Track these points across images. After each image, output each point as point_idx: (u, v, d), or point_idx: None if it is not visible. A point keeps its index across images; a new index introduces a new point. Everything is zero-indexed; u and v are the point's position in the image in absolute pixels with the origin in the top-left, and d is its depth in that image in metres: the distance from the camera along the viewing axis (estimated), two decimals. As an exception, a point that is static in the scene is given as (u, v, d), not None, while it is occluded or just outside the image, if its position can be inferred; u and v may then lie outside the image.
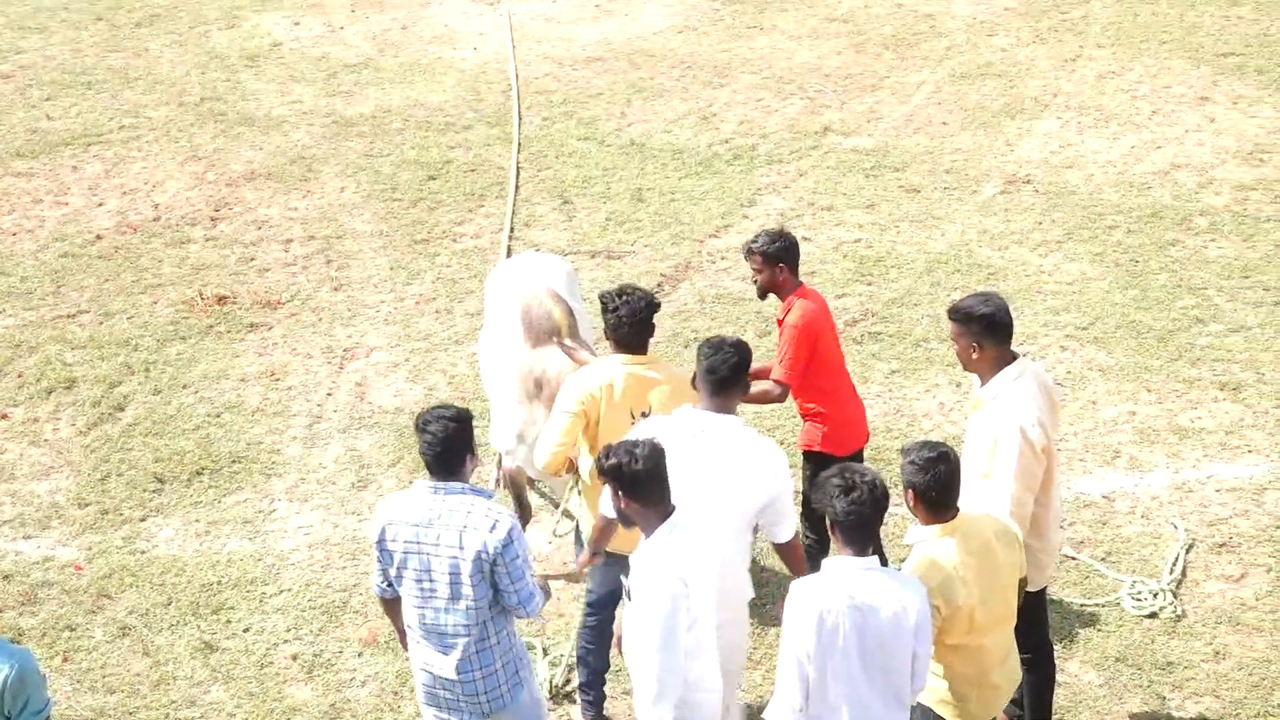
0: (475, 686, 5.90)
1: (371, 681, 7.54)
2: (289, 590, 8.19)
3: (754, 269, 7.58)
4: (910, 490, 5.72)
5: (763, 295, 7.73)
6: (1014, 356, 6.43)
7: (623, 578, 5.83)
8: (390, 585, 5.98)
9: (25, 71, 15.21)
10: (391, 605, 6.12)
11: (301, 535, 8.63)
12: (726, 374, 6.29)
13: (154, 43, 16.00)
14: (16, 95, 14.63)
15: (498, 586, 5.77)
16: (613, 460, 5.59)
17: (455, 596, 5.77)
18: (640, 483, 5.59)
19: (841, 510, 5.42)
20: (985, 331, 6.36)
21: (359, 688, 7.52)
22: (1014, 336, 6.55)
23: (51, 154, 13.40)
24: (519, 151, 13.24)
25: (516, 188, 12.56)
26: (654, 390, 6.78)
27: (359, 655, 7.71)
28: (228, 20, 16.64)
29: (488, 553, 5.69)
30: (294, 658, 7.70)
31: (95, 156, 13.36)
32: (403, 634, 6.16)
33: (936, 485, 5.66)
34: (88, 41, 16.05)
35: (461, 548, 5.72)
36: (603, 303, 6.81)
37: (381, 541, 5.87)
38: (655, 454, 5.60)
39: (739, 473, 6.19)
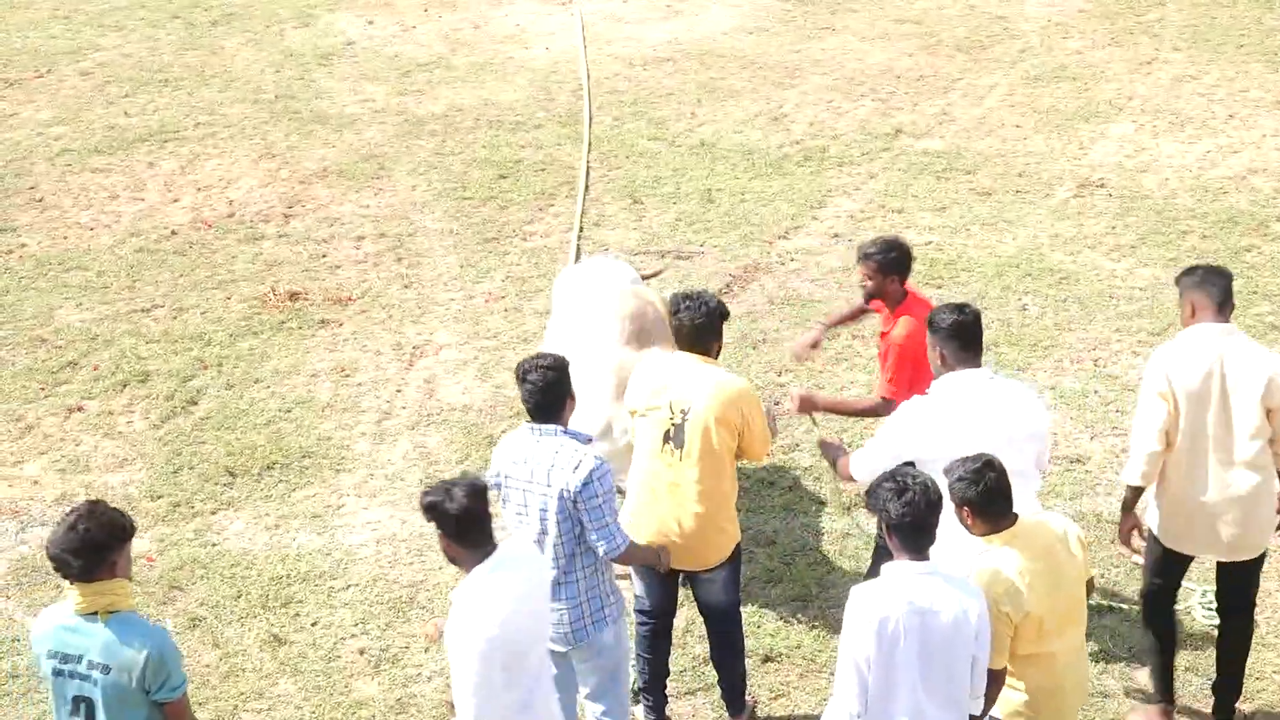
0: (560, 615, 6.19)
1: (437, 677, 7.57)
2: (357, 585, 8.24)
3: (864, 275, 7.56)
4: (965, 507, 5.64)
5: (868, 301, 7.81)
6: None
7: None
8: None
9: (104, 69, 15.41)
10: None
11: (369, 531, 8.69)
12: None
13: (229, 41, 16.17)
14: (95, 92, 14.83)
15: (583, 524, 6.14)
16: (430, 498, 5.46)
17: (544, 531, 6.16)
18: (458, 522, 5.44)
19: (896, 513, 5.39)
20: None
21: (425, 683, 7.56)
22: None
23: (128, 150, 13.56)
24: (589, 151, 13.28)
25: (586, 188, 12.59)
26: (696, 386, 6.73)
27: (425, 650, 7.75)
28: (302, 19, 16.79)
29: (569, 491, 6.07)
30: (361, 652, 7.75)
31: (171, 153, 13.51)
32: None
33: (989, 494, 5.59)
34: (165, 39, 16.24)
35: (549, 485, 6.11)
36: (672, 305, 6.84)
37: (494, 475, 6.26)
38: (474, 494, 5.44)
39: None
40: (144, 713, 5.29)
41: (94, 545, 5.17)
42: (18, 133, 13.85)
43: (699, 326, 6.74)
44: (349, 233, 12.04)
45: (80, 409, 9.83)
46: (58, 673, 5.30)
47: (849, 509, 8.70)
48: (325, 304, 10.99)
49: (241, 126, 14.01)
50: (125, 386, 10.06)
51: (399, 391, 9.97)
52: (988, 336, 10.26)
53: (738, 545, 6.91)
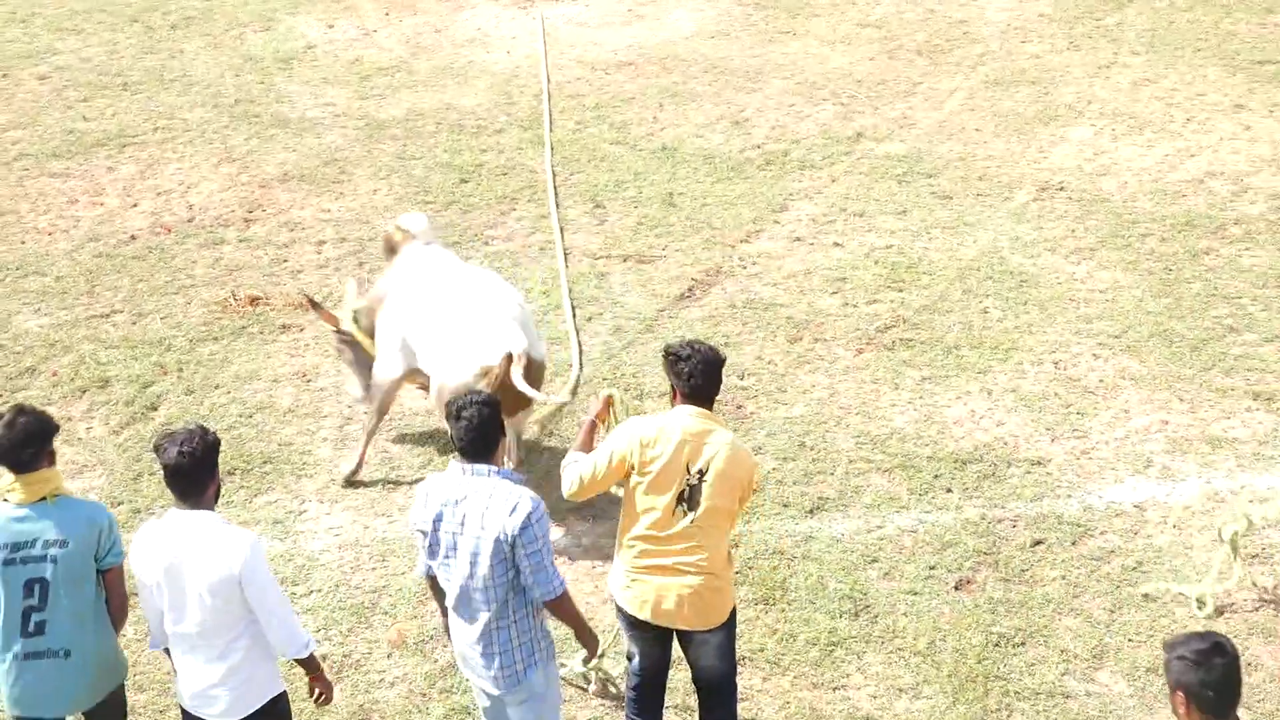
0: (493, 660, 6.04)
1: (400, 683, 7.56)
2: (319, 591, 8.21)
3: None
4: (1180, 692, 4.87)
5: None
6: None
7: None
8: (423, 563, 6.16)
9: (62, 73, 15.31)
10: (434, 583, 6.24)
11: (331, 536, 8.66)
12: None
13: (189, 45, 16.09)
14: (53, 96, 14.73)
15: (518, 568, 5.91)
16: (157, 441, 5.83)
17: (471, 575, 5.93)
18: (171, 473, 5.74)
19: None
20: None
21: (388, 689, 7.54)
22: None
23: (87, 155, 13.48)
24: (551, 155, 13.26)
25: (555, 190, 12.57)
26: (709, 445, 6.45)
27: (388, 656, 7.73)
28: (262, 23, 16.72)
29: (506, 535, 5.83)
30: (323, 658, 7.69)
31: (130, 158, 13.43)
32: (445, 612, 6.27)
33: (1212, 684, 4.82)
34: (124, 43, 16.14)
35: (483, 528, 5.87)
36: (673, 355, 6.49)
37: (415, 521, 6.06)
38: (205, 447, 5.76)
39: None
40: (91, 588, 5.92)
41: (36, 434, 5.87)
42: (-26, 138, 13.75)
43: (707, 378, 6.45)
44: (310, 237, 12.00)
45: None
46: (8, 562, 5.83)
47: (811, 512, 8.72)
48: (286, 309, 10.94)
49: (201, 131, 13.94)
50: (85, 392, 10.00)
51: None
52: (950, 340, 10.37)
53: (734, 610, 6.70)
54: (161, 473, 5.84)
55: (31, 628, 5.90)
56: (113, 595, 6.07)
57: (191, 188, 12.88)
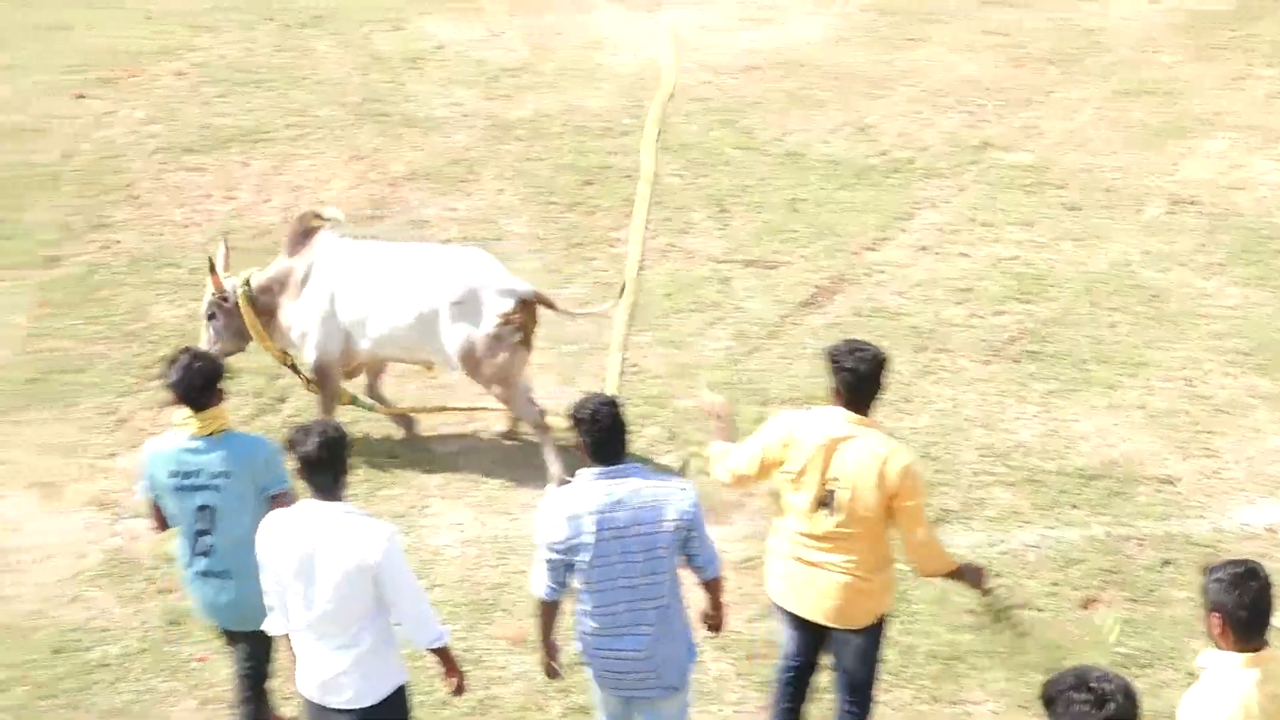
0: (654, 660, 6.02)
1: (519, 680, 7.62)
2: (441, 585, 8.30)
3: None
4: (1217, 614, 5.00)
5: None
6: None
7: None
8: (560, 586, 6.04)
9: (198, 69, 15.60)
10: (552, 610, 6.17)
11: (454, 532, 8.76)
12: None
13: (320, 43, 16.32)
14: (190, 92, 15.01)
15: (687, 554, 5.98)
16: (290, 436, 5.92)
17: (655, 570, 5.90)
18: (307, 464, 5.84)
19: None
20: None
21: (506, 685, 7.61)
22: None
23: (222, 150, 13.72)
24: (674, 158, 13.29)
25: (649, 201, 12.61)
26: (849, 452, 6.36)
27: (508, 653, 7.80)
28: (392, 23, 16.91)
29: (683, 520, 5.89)
30: (445, 652, 7.80)
31: (262, 153, 13.66)
32: (552, 646, 6.26)
33: (1246, 605, 4.95)
34: (258, 41, 16.41)
35: (657, 520, 5.86)
36: (832, 355, 6.39)
37: (563, 539, 5.89)
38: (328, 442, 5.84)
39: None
40: (249, 518, 6.25)
41: (210, 374, 6.41)
42: (114, 131, 14.05)
43: (862, 381, 6.32)
44: (436, 235, 12.12)
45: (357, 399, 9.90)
46: (180, 488, 6.42)
47: (934, 524, 8.65)
48: (412, 306, 11.05)
49: (331, 128, 14.14)
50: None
51: (483, 394, 10.02)
52: (1077, 354, 10.24)
53: (884, 618, 6.63)
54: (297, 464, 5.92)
55: (202, 548, 6.50)
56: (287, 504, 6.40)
57: (321, 184, 13.07)
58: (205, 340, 9.25)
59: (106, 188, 12.93)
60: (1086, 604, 8.04)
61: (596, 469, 5.94)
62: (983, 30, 16.34)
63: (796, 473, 6.36)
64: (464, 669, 7.56)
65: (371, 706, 6.04)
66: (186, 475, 6.43)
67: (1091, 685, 4.36)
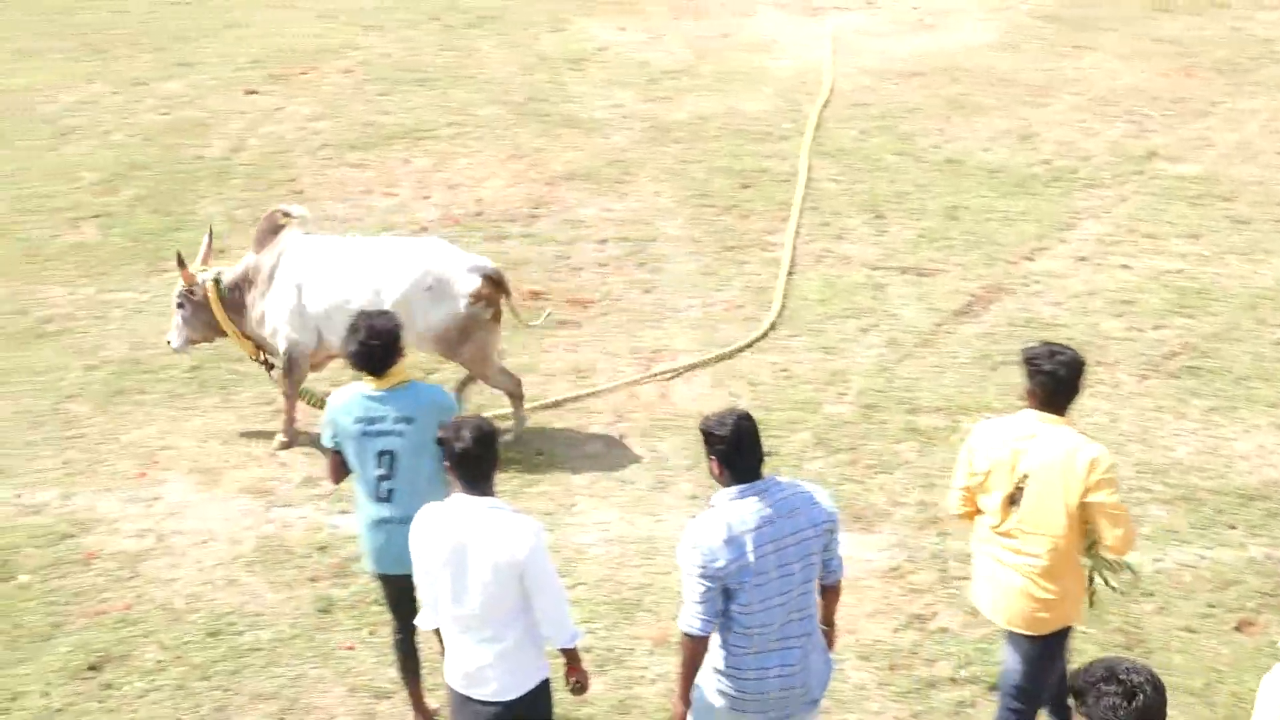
0: (809, 672, 5.91)
1: (661, 681, 7.63)
2: (585, 584, 8.35)
3: None
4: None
5: None
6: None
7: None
8: (716, 618, 5.79)
9: (363, 66, 15.90)
10: (702, 647, 5.90)
11: (599, 531, 8.80)
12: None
13: (484, 43, 16.53)
14: (354, 90, 15.31)
15: (825, 556, 5.89)
16: (443, 433, 5.94)
17: (806, 579, 5.81)
18: (459, 459, 5.87)
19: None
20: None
21: (648, 685, 7.62)
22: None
23: (384, 147, 13.96)
24: (832, 163, 13.22)
25: (801, 207, 12.55)
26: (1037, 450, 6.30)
27: (650, 653, 7.82)
28: (555, 24, 17.07)
29: (825, 522, 5.81)
30: (587, 650, 7.82)
31: (423, 151, 13.86)
32: (688, 682, 6.02)
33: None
34: (422, 40, 16.68)
35: (809, 527, 5.77)
36: (1028, 357, 6.35)
37: (727, 563, 5.69)
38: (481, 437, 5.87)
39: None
40: (430, 463, 6.54)
41: (388, 341, 6.63)
42: (283, 126, 14.38)
43: (1058, 382, 6.27)
44: (592, 235, 12.21)
45: (329, 395, 10.13)
46: (365, 433, 6.67)
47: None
48: (565, 304, 11.16)
49: (492, 127, 14.31)
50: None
51: (633, 395, 10.08)
52: (1239, 370, 9.98)
53: (1067, 631, 6.51)
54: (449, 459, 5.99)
55: (382, 493, 6.73)
56: None
57: (480, 182, 13.23)
58: (173, 326, 9.66)
59: (272, 182, 13.23)
60: (1241, 626, 7.83)
61: (737, 487, 5.76)
62: (1152, 39, 16.00)
63: (986, 473, 6.34)
64: (606, 668, 7.65)
65: (514, 700, 6.09)
66: (371, 421, 6.66)
67: (1121, 677, 4.29)
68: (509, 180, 13.23)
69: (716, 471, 5.80)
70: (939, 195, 12.63)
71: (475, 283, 9.22)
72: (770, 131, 14.05)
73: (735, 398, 9.79)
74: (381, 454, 6.70)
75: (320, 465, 9.31)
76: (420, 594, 6.15)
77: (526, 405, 9.74)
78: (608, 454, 9.48)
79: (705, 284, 11.42)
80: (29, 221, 12.66)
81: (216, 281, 9.51)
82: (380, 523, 6.79)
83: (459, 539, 5.88)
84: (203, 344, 9.82)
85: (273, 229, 9.51)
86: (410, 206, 12.82)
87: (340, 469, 6.92)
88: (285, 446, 9.55)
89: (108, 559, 8.53)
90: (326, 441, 6.89)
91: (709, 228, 12.26)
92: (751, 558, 5.67)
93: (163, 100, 15.07)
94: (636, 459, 9.40)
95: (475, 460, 5.92)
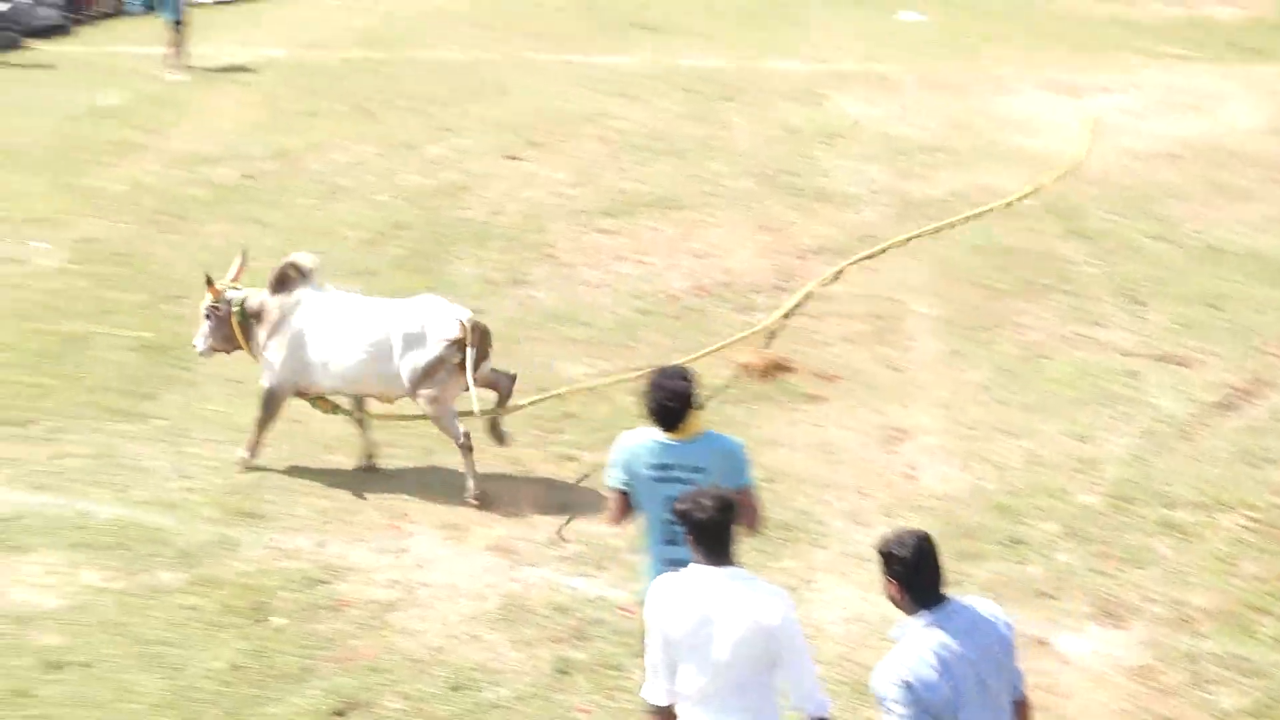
0: None
1: (895, 766, 7.50)
2: (823, 662, 8.22)
3: None
4: None
5: None
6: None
7: None
8: None
9: (618, 135, 16.21)
10: None
11: (839, 609, 8.71)
12: None
13: (736, 115, 16.71)
14: (608, 158, 15.61)
15: None
16: (682, 505, 5.91)
17: (1003, 691, 5.60)
18: (701, 529, 5.85)
19: None
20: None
21: (882, 769, 7.50)
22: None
23: (634, 215, 14.19)
24: (1088, 245, 12.97)
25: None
26: None
27: (885, 737, 7.69)
28: (806, 98, 17.18)
29: (1011, 633, 5.65)
30: (822, 728, 7.76)
31: (673, 220, 14.05)
32: None
33: None
34: (674, 111, 16.94)
35: (1000, 640, 5.58)
36: None
37: (938, 694, 5.47)
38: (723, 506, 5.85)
39: None
40: None
41: (683, 399, 6.71)
42: (538, 191, 14.74)
43: None
44: (840, 310, 12.18)
45: (574, 459, 10.29)
46: (657, 478, 6.78)
47: None
48: (811, 378, 11.14)
49: (742, 198, 14.43)
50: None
51: (878, 474, 9.99)
52: None
53: None
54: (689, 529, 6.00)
55: (670, 536, 6.70)
56: (745, 511, 6.63)
57: (729, 253, 13.33)
58: (200, 334, 10.47)
59: (527, 245, 13.55)
60: None
61: (926, 615, 5.54)
62: None
63: None
64: (840, 748, 7.54)
65: None
66: (664, 467, 6.79)
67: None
68: (757, 251, 13.30)
69: (895, 595, 5.59)
70: (1198, 282, 12.29)
71: (453, 330, 9.78)
72: (1023, 210, 13.86)
73: (980, 481, 9.64)
74: (671, 500, 6.72)
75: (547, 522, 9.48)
76: (649, 665, 6.13)
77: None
78: (849, 531, 9.40)
79: (953, 363, 11.29)
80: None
81: (240, 307, 10.29)
82: (670, 563, 6.80)
83: (704, 609, 5.88)
84: (223, 352, 10.57)
85: (284, 279, 10.21)
86: (660, 275, 12.97)
87: (623, 510, 7.01)
88: (246, 466, 10.21)
89: (358, 607, 8.76)
90: (614, 482, 6.98)
91: (957, 305, 12.13)
92: (958, 685, 5.49)
93: (427, 163, 15.60)
94: (878, 538, 9.27)
95: (717, 530, 5.94)
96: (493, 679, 8.17)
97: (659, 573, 6.76)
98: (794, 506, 9.68)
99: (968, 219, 13.66)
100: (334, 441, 10.52)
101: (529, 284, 12.89)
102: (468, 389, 9.74)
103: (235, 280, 10.44)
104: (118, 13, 28.64)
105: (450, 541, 9.42)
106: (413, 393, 9.92)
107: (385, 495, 9.91)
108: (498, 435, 10.15)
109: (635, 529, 7.07)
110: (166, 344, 11.85)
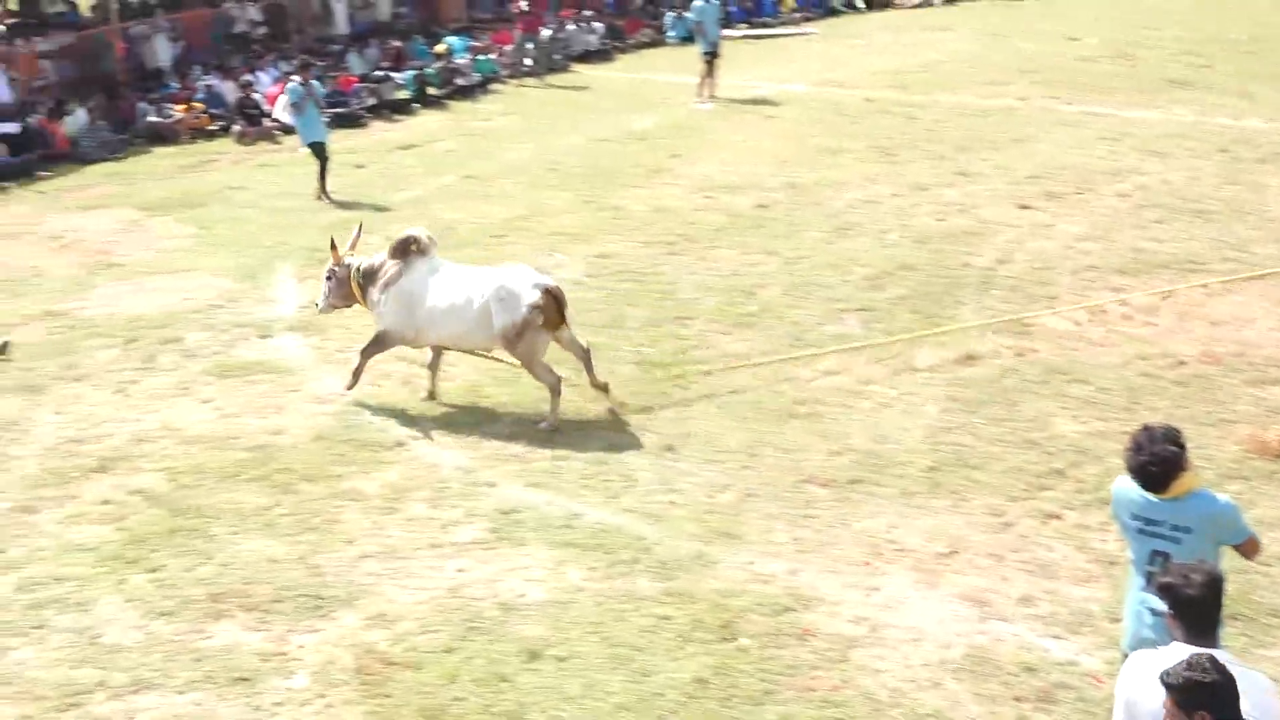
0: None
1: None
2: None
3: None
4: None
5: None
6: None
7: None
8: None
9: (1142, 192, 15.69)
10: None
11: None
12: None
13: (1274, 179, 15.83)
14: (1129, 214, 15.13)
15: None
16: (1167, 578, 5.70)
17: None
18: (1186, 607, 5.64)
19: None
20: None
21: None
22: None
23: (1150, 274, 13.68)
24: None
25: None
26: None
27: None
28: None
29: None
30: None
31: (1190, 283, 13.45)
32: None
33: None
34: (1206, 171, 16.24)
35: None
36: None
37: None
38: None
39: None
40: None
41: (1170, 463, 6.68)
42: (1050, 243, 14.46)
43: None
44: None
45: (1058, 517, 10.03)
46: (1141, 531, 6.84)
47: None
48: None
49: (1268, 266, 13.66)
50: (1106, 504, 10.12)
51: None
52: None
53: None
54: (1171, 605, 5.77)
55: (1152, 587, 6.64)
56: (1249, 548, 6.91)
57: (1248, 323, 12.66)
58: (321, 294, 12.31)
59: (1030, 296, 13.31)
60: None
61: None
62: None
63: None
64: None
65: None
66: (1149, 522, 6.82)
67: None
68: (1276, 324, 12.55)
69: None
70: None
71: (535, 295, 11.27)
72: None
73: None
74: (1155, 554, 6.83)
75: (1038, 584, 9.24)
76: None
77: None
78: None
79: None
80: (800, 308, 13.46)
81: (357, 270, 11.92)
82: (1149, 611, 6.83)
83: None
84: (342, 309, 12.37)
85: (405, 248, 11.77)
86: (1168, 338, 12.46)
87: None
88: (349, 388, 11.93)
89: (823, 638, 8.84)
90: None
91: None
92: None
93: (939, 206, 15.58)
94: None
95: (1203, 608, 5.68)
96: (942, 729, 8.08)
97: (1137, 616, 6.90)
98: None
99: None
100: (815, 470, 10.67)
101: (1029, 335, 12.64)
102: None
103: (353, 248, 12.16)
104: (655, 43, 30.10)
105: (922, 585, 9.37)
106: (508, 346, 11.46)
107: (863, 532, 9.96)
108: (601, 386, 11.67)
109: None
110: (666, 361, 12.35)
